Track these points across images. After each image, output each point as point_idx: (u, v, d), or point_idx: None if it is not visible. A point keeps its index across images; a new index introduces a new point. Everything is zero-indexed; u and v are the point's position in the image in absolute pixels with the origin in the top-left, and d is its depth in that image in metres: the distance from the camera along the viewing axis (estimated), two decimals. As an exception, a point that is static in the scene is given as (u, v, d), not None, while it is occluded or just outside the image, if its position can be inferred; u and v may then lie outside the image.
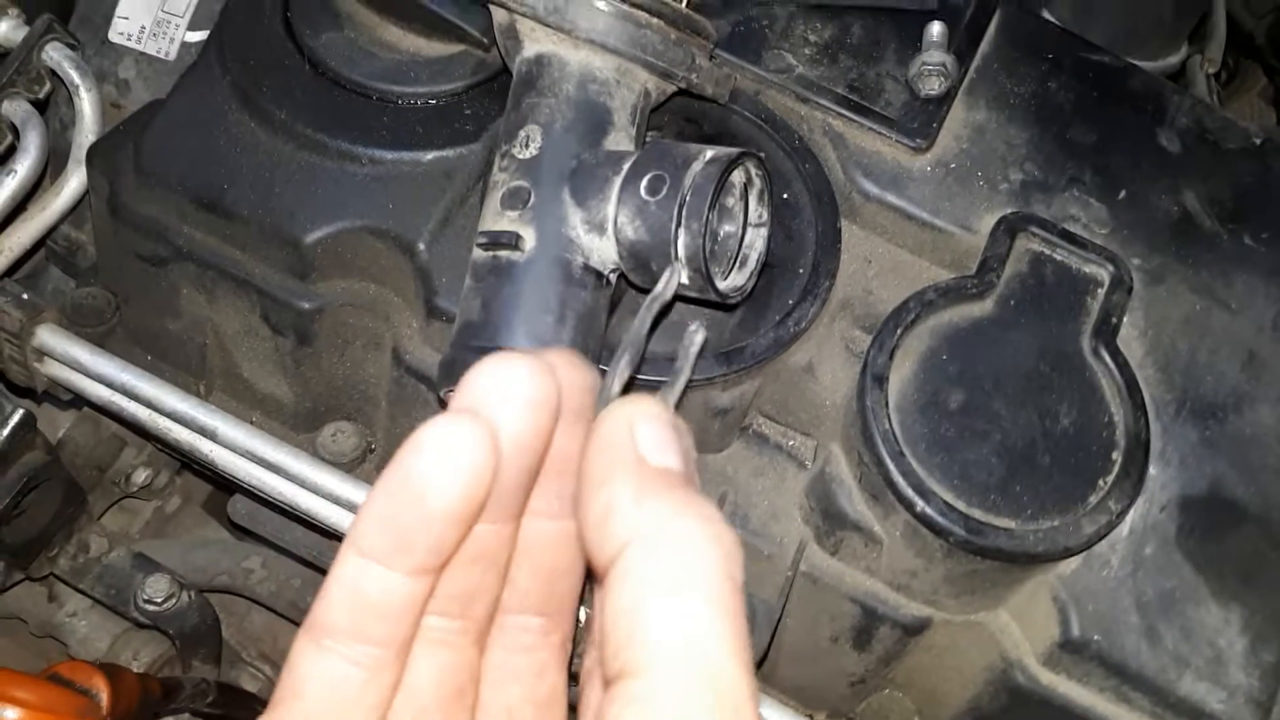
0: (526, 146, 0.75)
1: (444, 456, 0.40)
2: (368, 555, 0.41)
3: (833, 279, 0.83)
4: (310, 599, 1.13)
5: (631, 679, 0.38)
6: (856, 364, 0.82)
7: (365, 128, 0.85)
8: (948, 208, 0.87)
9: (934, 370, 0.79)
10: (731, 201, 0.74)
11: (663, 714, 0.37)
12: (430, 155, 0.85)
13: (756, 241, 0.76)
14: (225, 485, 1.07)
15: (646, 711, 0.37)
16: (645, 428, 0.43)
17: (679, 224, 0.68)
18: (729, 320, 0.82)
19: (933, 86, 0.88)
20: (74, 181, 0.98)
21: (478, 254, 0.75)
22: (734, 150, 0.70)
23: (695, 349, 0.62)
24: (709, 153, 0.70)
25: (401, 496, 0.40)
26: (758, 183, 0.74)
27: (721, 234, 0.74)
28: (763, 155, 0.73)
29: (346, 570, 0.41)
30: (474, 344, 0.73)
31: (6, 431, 0.91)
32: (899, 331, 0.80)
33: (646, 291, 0.76)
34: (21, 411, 0.92)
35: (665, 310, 0.68)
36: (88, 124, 0.99)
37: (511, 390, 0.41)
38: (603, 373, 0.51)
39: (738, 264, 0.75)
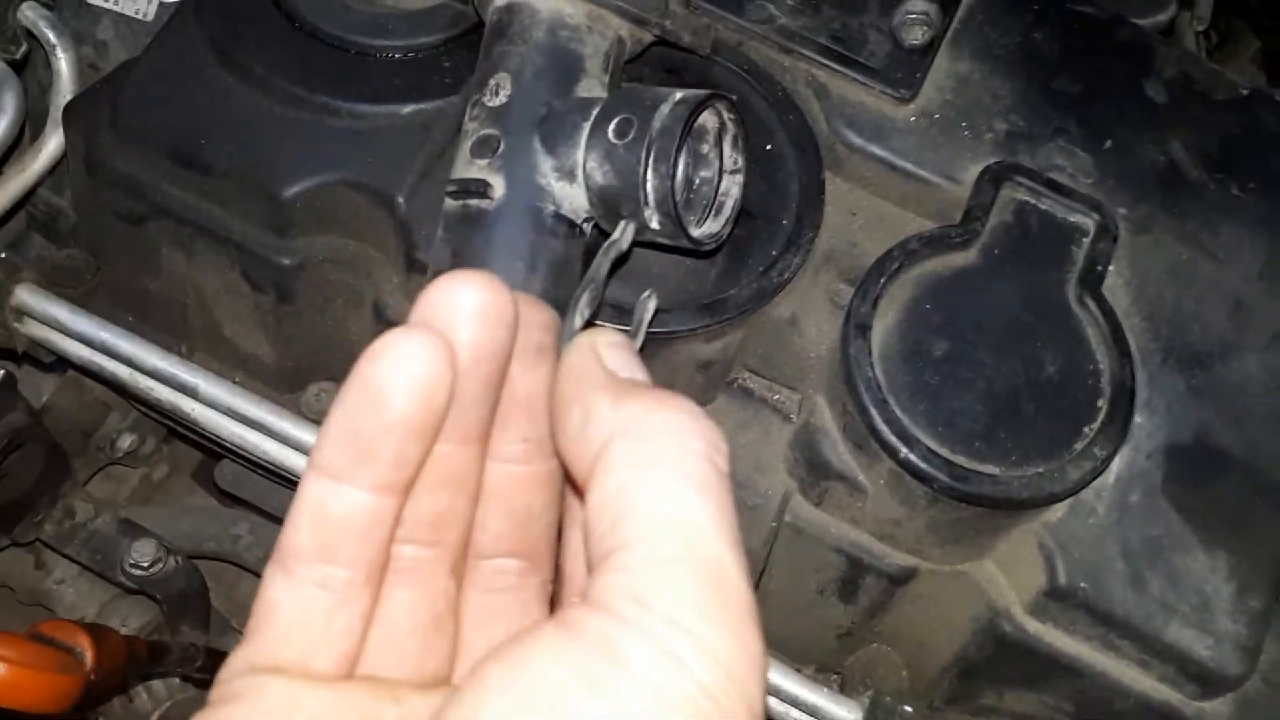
0: (496, 94, 0.74)
1: (400, 366, 0.39)
2: (330, 473, 0.40)
3: (816, 230, 0.83)
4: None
5: (617, 553, 0.37)
6: (841, 316, 0.81)
7: (343, 81, 0.84)
8: (932, 158, 0.86)
9: (918, 319, 0.79)
10: (706, 147, 0.74)
11: (648, 581, 0.36)
12: (408, 108, 0.84)
13: (732, 188, 0.75)
14: (213, 452, 1.06)
15: (632, 580, 0.36)
16: (611, 351, 0.44)
17: (647, 167, 0.67)
18: (711, 271, 0.81)
19: (916, 36, 0.87)
20: (52, 143, 0.97)
21: (448, 203, 0.74)
22: (703, 92, 0.69)
23: (648, 316, 0.62)
24: (677, 94, 0.69)
25: (360, 408, 0.40)
26: (731, 128, 0.74)
27: (697, 180, 0.74)
28: (735, 98, 0.73)
29: (310, 491, 0.41)
30: None
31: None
32: (882, 281, 0.79)
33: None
34: (2, 372, 0.92)
35: (623, 258, 0.68)
36: (65, 84, 0.98)
37: (465, 304, 0.41)
38: (563, 315, 0.51)
39: (713, 211, 0.75)
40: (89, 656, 0.85)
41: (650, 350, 0.80)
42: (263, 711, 0.40)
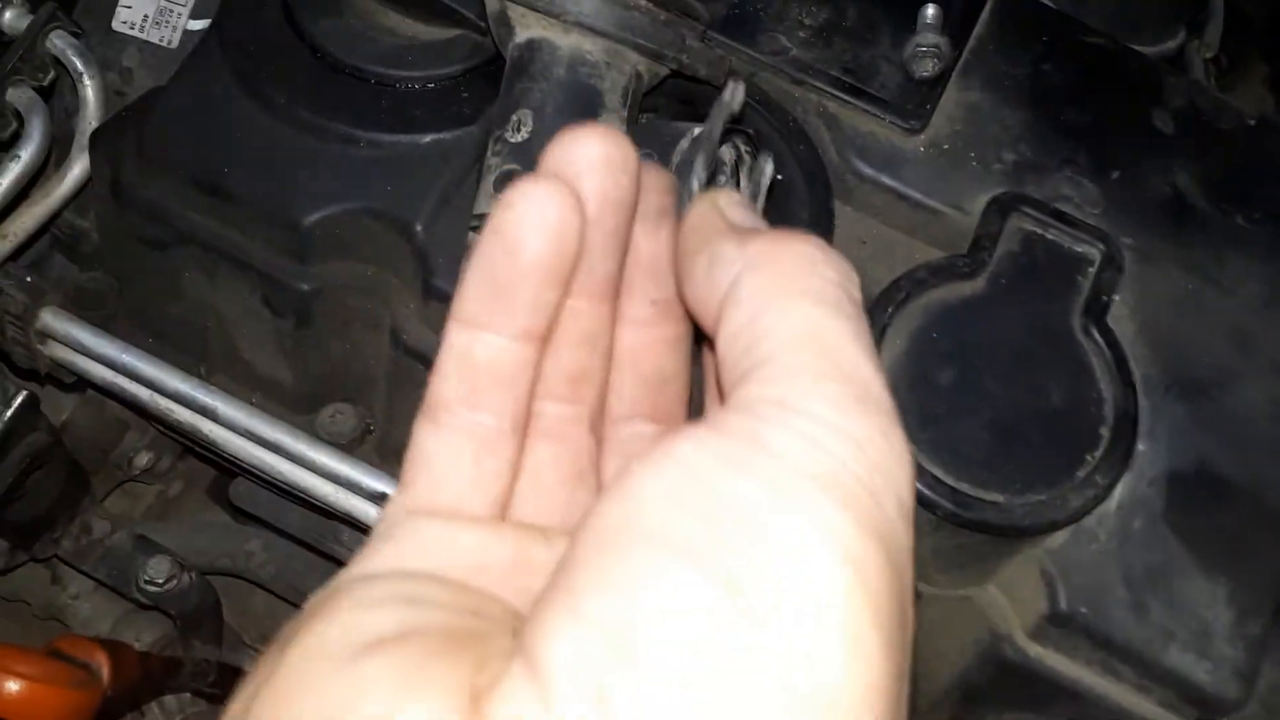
0: (519, 130, 0.76)
1: (533, 212, 0.40)
2: (472, 323, 0.41)
3: (825, 258, 0.84)
4: (311, 582, 1.16)
5: (754, 370, 0.37)
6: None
7: (363, 111, 0.86)
8: (941, 188, 0.87)
9: (924, 348, 0.80)
10: (723, 179, 0.75)
11: (788, 387, 0.36)
12: (428, 138, 0.86)
13: None
14: (228, 469, 1.08)
15: (770, 389, 0.36)
16: (732, 206, 0.44)
17: None
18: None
19: (927, 68, 0.88)
20: (77, 168, 0.98)
21: (472, 237, 0.76)
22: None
23: (766, 180, 0.59)
24: (696, 129, 0.70)
25: (497, 256, 0.40)
26: (748, 160, 0.75)
27: None
28: (752, 132, 0.74)
29: (454, 342, 0.42)
30: None
31: (10, 412, 0.93)
32: (890, 309, 0.80)
33: None
34: (25, 393, 0.94)
35: (736, 120, 0.68)
36: (91, 111, 1.00)
37: (590, 155, 0.42)
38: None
39: None
40: (105, 672, 0.87)
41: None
42: (421, 544, 0.41)
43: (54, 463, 1.00)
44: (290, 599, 1.19)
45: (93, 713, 0.85)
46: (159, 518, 1.22)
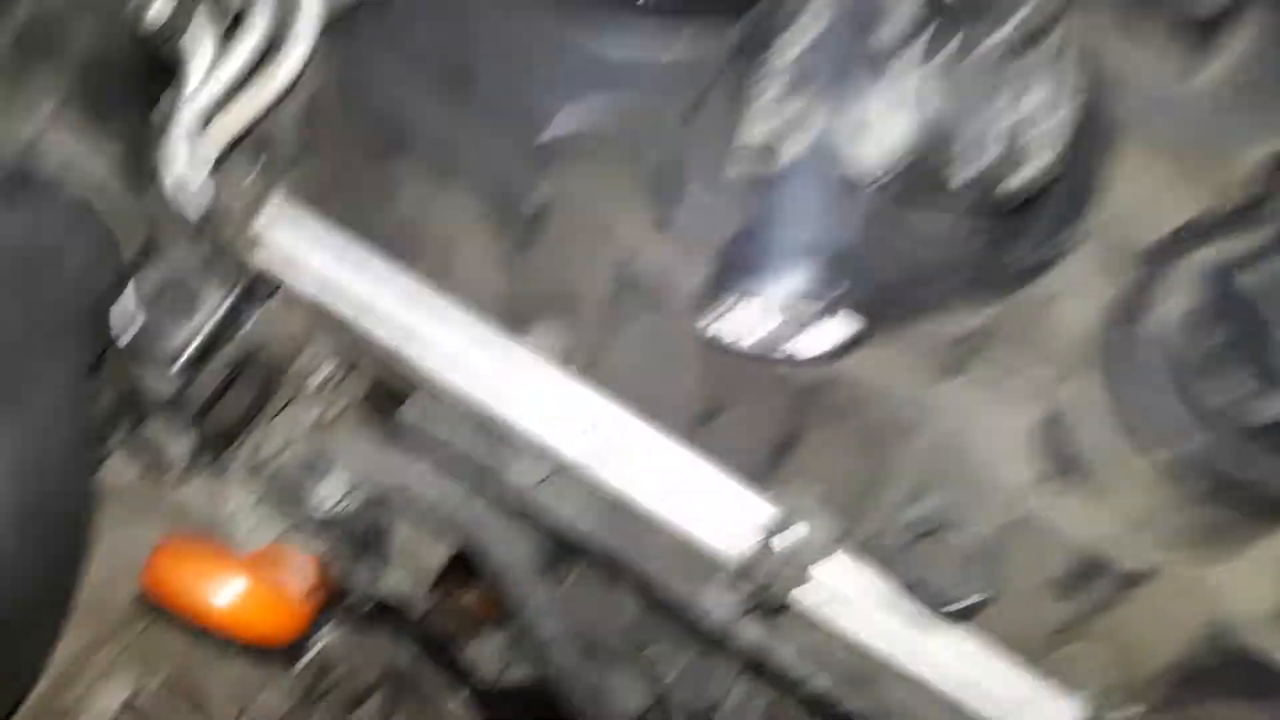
0: (789, 52, 0.73)
1: None
2: None
3: (1093, 204, 0.80)
4: (470, 509, 1.13)
5: None
6: (1115, 295, 0.78)
7: (614, 18, 0.83)
8: (1219, 132, 0.83)
9: (1207, 301, 0.75)
10: (1024, 83, 0.71)
11: None
12: (673, 52, 0.83)
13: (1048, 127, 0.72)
14: (402, 391, 1.06)
15: None
16: None
17: (962, 118, 0.65)
18: (980, 241, 0.79)
19: (1209, 6, 0.83)
20: (299, 59, 0.95)
21: (734, 167, 0.74)
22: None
23: None
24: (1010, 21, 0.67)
25: None
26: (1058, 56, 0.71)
27: (1010, 125, 0.71)
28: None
29: None
30: (734, 259, 0.72)
31: (216, 319, 0.91)
32: (1165, 260, 0.76)
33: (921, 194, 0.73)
34: (230, 300, 0.92)
35: None
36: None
37: None
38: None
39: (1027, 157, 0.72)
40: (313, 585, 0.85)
41: (906, 322, 0.78)
42: None
43: (250, 372, 0.99)
44: (448, 528, 1.17)
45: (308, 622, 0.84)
46: (332, 437, 1.20)
